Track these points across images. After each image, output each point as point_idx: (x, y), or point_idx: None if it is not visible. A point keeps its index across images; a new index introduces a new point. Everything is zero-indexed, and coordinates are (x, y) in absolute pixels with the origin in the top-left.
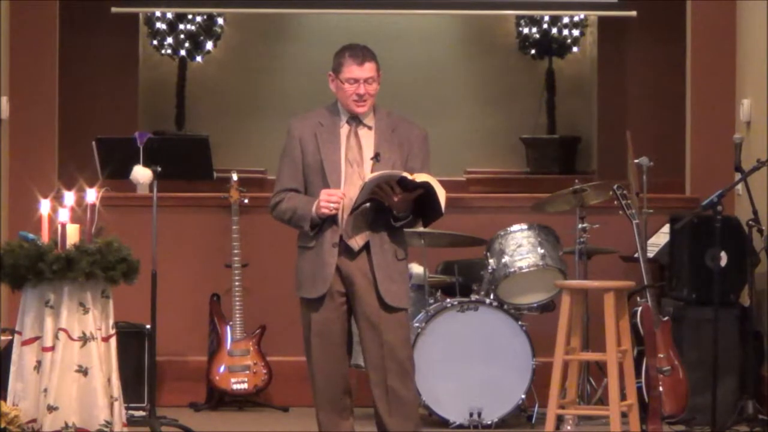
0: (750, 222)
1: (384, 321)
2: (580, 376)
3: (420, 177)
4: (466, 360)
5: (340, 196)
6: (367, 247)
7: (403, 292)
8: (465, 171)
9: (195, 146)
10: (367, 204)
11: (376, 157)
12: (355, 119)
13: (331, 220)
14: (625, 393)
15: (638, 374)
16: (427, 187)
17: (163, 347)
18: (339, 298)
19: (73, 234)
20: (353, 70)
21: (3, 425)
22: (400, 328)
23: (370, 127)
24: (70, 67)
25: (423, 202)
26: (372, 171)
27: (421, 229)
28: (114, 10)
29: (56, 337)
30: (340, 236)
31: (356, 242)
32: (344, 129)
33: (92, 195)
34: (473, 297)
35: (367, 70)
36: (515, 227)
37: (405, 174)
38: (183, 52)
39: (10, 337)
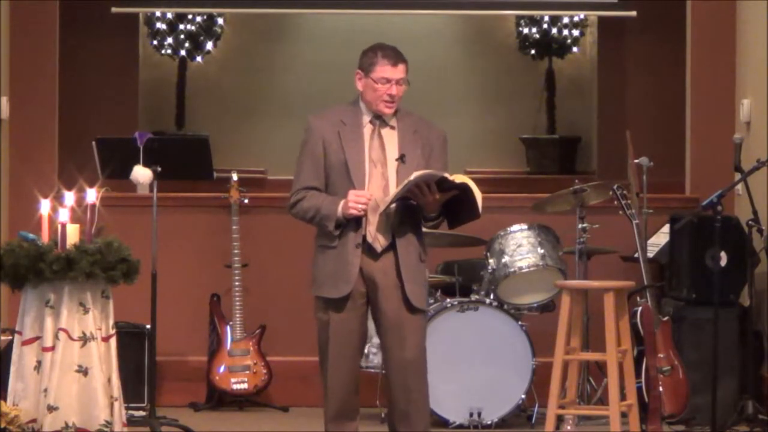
0: (750, 222)
1: (407, 322)
2: (580, 376)
3: (459, 178)
4: (466, 360)
5: (368, 197)
6: (392, 247)
7: (425, 294)
8: (465, 171)
9: (195, 146)
10: (393, 205)
11: (402, 158)
12: (379, 119)
13: (354, 220)
14: (625, 393)
15: (638, 374)
16: (464, 189)
17: (163, 347)
18: (360, 299)
19: (73, 234)
20: (387, 70)
21: (3, 425)
22: (420, 329)
23: (393, 127)
24: (70, 67)
25: (452, 204)
26: (397, 172)
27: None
28: (114, 10)
29: (56, 337)
30: (363, 236)
31: (380, 243)
32: (367, 128)
33: (92, 195)
34: (473, 297)
35: (400, 71)
36: (515, 227)
37: (446, 174)
38: (183, 52)
39: (10, 337)
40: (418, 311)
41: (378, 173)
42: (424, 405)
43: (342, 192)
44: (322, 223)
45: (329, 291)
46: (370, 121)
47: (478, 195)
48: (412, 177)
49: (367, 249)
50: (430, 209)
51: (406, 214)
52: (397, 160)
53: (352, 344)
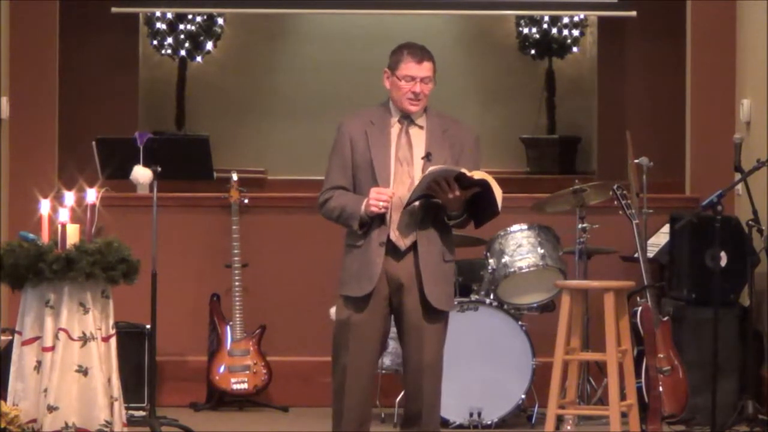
0: (750, 222)
1: (426, 324)
2: (580, 376)
3: (477, 174)
4: (466, 360)
5: (389, 195)
6: (414, 247)
7: (448, 294)
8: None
9: (195, 146)
10: (417, 202)
11: (428, 157)
12: (407, 118)
13: (379, 218)
14: (625, 393)
15: (638, 374)
16: (484, 185)
17: (163, 347)
18: (382, 299)
19: (73, 234)
20: (411, 67)
21: (3, 425)
22: (439, 332)
23: (421, 127)
24: (70, 67)
25: (476, 202)
26: (423, 171)
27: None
28: (114, 10)
29: (56, 337)
30: (387, 235)
31: (403, 242)
32: (395, 127)
33: (92, 195)
34: (473, 297)
35: (425, 69)
36: (515, 227)
37: (463, 170)
38: (183, 52)
39: (10, 337)
40: (438, 313)
41: (404, 172)
42: (436, 408)
43: (368, 191)
44: (347, 223)
45: (352, 289)
46: (398, 120)
47: (498, 191)
48: (427, 172)
49: (391, 248)
50: (452, 207)
51: (430, 212)
52: (423, 158)
53: (372, 345)
